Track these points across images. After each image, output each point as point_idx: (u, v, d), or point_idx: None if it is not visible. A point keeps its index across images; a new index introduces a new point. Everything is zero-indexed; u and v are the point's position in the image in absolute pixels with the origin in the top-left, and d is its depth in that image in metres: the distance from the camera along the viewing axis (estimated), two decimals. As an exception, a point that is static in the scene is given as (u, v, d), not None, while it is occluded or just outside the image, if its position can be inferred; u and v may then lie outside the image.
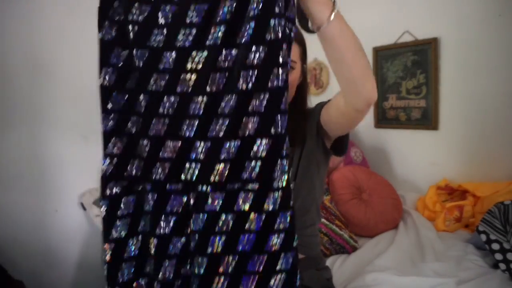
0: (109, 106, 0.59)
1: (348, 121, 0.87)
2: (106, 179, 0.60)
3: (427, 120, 2.00)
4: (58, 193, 1.81)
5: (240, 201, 0.57)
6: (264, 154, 0.56)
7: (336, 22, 0.60)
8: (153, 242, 0.59)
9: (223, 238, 0.57)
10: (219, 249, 0.57)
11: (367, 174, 1.88)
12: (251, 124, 0.56)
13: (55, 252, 1.81)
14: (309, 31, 0.65)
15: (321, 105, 0.96)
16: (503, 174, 1.73)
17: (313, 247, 1.09)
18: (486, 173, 1.79)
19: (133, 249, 0.61)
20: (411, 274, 1.29)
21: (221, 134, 0.56)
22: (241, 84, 0.55)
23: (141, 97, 0.58)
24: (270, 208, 0.56)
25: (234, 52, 0.55)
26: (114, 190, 0.60)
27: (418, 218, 1.76)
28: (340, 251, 1.54)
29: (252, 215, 0.56)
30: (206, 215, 0.57)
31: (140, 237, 0.62)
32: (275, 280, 0.56)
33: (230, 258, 0.57)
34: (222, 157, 0.57)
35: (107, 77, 0.59)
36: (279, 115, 0.55)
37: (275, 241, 0.56)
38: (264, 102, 0.55)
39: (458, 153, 1.92)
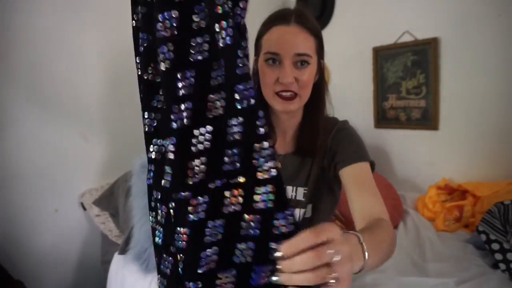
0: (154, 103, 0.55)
1: None
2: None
3: (427, 120, 2.00)
4: (58, 193, 1.81)
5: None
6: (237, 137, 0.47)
7: (368, 263, 0.54)
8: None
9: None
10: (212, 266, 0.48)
11: (367, 174, 1.88)
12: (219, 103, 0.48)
13: (55, 252, 1.81)
14: None
15: (346, 157, 0.82)
16: (503, 174, 1.73)
17: None
18: (486, 173, 1.79)
19: None
20: (411, 274, 1.29)
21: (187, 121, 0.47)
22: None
23: None
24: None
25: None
26: None
27: (418, 218, 1.76)
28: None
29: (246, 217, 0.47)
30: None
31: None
32: None
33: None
34: (194, 150, 0.47)
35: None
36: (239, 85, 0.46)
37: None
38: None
39: (458, 153, 1.92)
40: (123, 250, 1.50)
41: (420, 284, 1.22)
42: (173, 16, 0.46)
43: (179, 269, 0.51)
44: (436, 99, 1.95)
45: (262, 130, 0.46)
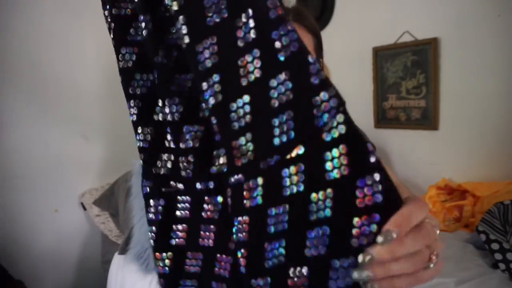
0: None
1: None
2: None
3: (427, 120, 2.00)
4: (58, 193, 1.81)
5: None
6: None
7: None
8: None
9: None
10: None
11: (367, 174, 1.88)
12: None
13: (55, 252, 1.81)
14: None
15: None
16: (503, 174, 1.73)
17: None
18: (486, 173, 1.79)
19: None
20: (411, 274, 1.29)
21: None
22: None
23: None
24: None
25: None
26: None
27: (418, 218, 1.76)
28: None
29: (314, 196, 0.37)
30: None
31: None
32: None
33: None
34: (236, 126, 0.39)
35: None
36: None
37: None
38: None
39: (458, 153, 1.92)
40: (123, 250, 1.50)
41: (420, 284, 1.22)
42: None
43: (241, 267, 0.42)
44: (436, 99, 1.95)
45: (317, 79, 0.36)
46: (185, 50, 0.40)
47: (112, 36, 0.51)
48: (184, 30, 0.39)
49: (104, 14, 0.49)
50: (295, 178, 0.37)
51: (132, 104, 0.49)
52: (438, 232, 0.34)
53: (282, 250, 0.38)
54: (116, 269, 1.58)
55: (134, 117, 0.50)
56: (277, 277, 0.38)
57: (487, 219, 1.38)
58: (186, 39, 0.39)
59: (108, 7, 0.48)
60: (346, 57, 2.36)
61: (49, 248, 1.79)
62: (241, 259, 0.41)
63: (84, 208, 1.82)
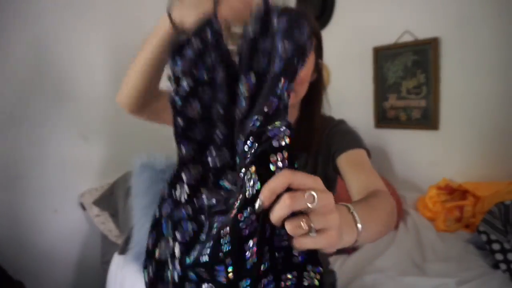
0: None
1: None
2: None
3: (427, 120, 1.99)
4: (58, 193, 1.81)
5: None
6: None
7: (363, 233, 0.49)
8: None
9: None
10: None
11: (367, 174, 1.88)
12: None
13: (55, 252, 1.81)
14: None
15: (342, 146, 0.85)
16: (503, 174, 1.73)
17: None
18: (486, 173, 1.79)
19: None
20: (412, 275, 1.29)
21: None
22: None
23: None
24: None
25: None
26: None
27: (418, 218, 1.76)
28: (340, 251, 1.54)
29: None
30: None
31: None
32: None
33: None
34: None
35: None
36: None
37: None
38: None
39: (458, 153, 1.92)
40: (123, 250, 1.50)
41: (420, 284, 1.22)
42: None
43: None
44: (436, 99, 1.94)
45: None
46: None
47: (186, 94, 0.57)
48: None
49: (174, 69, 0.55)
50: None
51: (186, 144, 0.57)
52: (315, 204, 0.38)
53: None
54: (116, 269, 1.58)
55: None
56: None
57: (488, 220, 1.38)
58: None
59: (184, 66, 0.55)
60: (346, 57, 2.36)
61: (49, 248, 1.79)
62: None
63: (84, 208, 1.82)
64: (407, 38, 2.03)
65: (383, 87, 2.19)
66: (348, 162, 0.83)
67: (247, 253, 0.41)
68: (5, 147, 1.66)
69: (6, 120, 1.66)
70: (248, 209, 0.40)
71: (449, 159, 1.95)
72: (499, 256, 1.27)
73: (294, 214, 0.38)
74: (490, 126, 1.78)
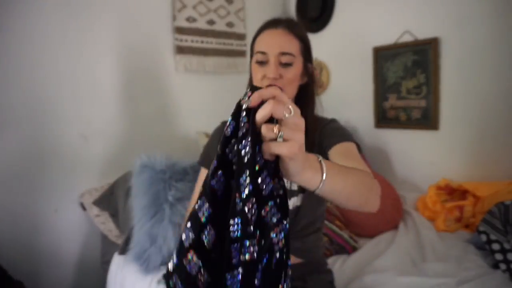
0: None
1: None
2: None
3: (427, 120, 2.00)
4: (58, 193, 1.81)
5: None
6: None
7: (328, 180, 0.55)
8: None
9: None
10: None
11: (367, 174, 1.88)
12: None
13: (55, 252, 1.80)
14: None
15: (332, 140, 0.89)
16: (503, 174, 1.73)
17: (316, 252, 1.10)
18: (486, 173, 1.79)
19: None
20: (411, 275, 1.29)
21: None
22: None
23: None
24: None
25: None
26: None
27: (418, 218, 1.76)
28: (340, 252, 1.54)
29: None
30: None
31: None
32: None
33: None
34: None
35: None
36: None
37: None
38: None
39: (458, 153, 1.92)
40: (123, 250, 1.50)
41: (420, 284, 1.22)
42: None
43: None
44: (436, 99, 1.95)
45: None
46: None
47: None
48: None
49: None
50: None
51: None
52: (290, 115, 0.47)
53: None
54: (116, 269, 1.58)
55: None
56: None
57: (487, 219, 1.38)
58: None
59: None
60: (346, 57, 2.36)
61: (49, 248, 1.79)
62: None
63: (84, 208, 1.82)
64: (407, 38, 2.03)
65: (383, 87, 2.19)
66: (338, 153, 0.87)
67: (242, 151, 0.48)
68: (5, 147, 1.66)
69: (6, 120, 1.66)
70: (244, 114, 0.49)
71: (449, 159, 1.95)
72: (499, 256, 1.27)
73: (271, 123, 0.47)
74: (490, 126, 1.78)
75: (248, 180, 0.47)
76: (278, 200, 0.50)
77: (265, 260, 0.48)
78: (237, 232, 0.47)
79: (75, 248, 1.86)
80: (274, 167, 0.49)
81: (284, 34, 0.91)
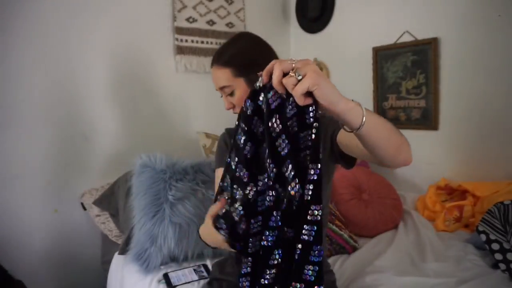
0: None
1: (370, 160, 0.83)
2: None
3: (427, 120, 2.00)
4: (58, 193, 1.81)
5: None
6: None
7: (368, 122, 0.61)
8: None
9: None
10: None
11: (367, 174, 1.88)
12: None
13: (55, 252, 1.81)
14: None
15: (336, 125, 0.89)
16: (502, 174, 1.73)
17: None
18: (485, 173, 1.79)
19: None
20: (411, 274, 1.29)
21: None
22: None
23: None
24: None
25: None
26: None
27: (418, 218, 1.76)
28: (340, 251, 1.54)
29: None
30: None
31: None
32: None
33: None
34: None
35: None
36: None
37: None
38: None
39: (458, 153, 1.92)
40: (123, 250, 1.50)
41: (420, 284, 1.22)
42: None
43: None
44: (436, 99, 1.95)
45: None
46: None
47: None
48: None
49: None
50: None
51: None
52: (293, 64, 0.56)
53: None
54: (116, 269, 1.58)
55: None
56: None
57: (487, 219, 1.38)
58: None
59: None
60: (346, 57, 2.36)
61: (49, 248, 1.79)
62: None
63: (84, 208, 1.82)
64: (406, 38, 2.03)
65: (382, 87, 2.19)
66: (346, 133, 0.88)
67: (274, 125, 0.62)
68: (5, 147, 1.66)
69: (6, 120, 1.66)
70: (265, 94, 0.62)
71: (448, 159, 1.95)
72: (498, 256, 1.27)
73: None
74: (490, 126, 1.79)
75: (286, 141, 0.62)
76: (308, 152, 0.61)
77: (284, 206, 0.63)
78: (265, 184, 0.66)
79: (75, 248, 1.86)
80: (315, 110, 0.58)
81: (216, 70, 1.01)
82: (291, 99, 0.59)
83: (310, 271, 0.59)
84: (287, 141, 0.61)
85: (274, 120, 0.61)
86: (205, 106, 2.23)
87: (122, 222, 1.66)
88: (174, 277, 1.32)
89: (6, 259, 1.61)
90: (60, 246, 1.82)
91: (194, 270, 1.36)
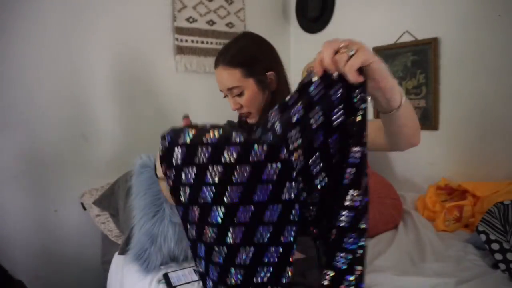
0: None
1: (380, 150, 0.86)
2: None
3: (427, 120, 2.00)
4: (58, 193, 1.81)
5: None
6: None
7: (405, 106, 0.64)
8: None
9: None
10: None
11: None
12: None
13: (55, 252, 1.81)
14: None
15: None
16: (503, 174, 1.73)
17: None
18: (485, 173, 1.79)
19: None
20: (411, 274, 1.29)
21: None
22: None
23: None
24: None
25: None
26: None
27: (418, 218, 1.76)
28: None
29: None
30: None
31: None
32: None
33: None
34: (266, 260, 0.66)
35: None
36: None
37: None
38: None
39: (457, 153, 1.92)
40: (123, 250, 1.50)
41: (419, 284, 1.22)
42: None
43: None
44: (436, 99, 1.95)
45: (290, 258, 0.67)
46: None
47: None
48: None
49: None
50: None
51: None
52: (342, 43, 0.59)
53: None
54: (116, 269, 1.58)
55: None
56: None
57: (487, 219, 1.38)
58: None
59: None
60: (346, 57, 2.36)
61: (49, 248, 1.79)
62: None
63: (84, 208, 1.82)
64: (406, 38, 2.03)
65: (382, 87, 2.19)
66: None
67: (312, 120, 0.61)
68: (5, 147, 1.66)
69: (6, 120, 1.66)
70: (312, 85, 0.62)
71: (448, 159, 1.95)
72: (498, 256, 1.27)
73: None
74: (490, 126, 1.79)
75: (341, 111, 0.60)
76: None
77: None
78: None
79: (75, 248, 1.86)
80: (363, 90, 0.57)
81: (223, 70, 0.99)
82: (335, 87, 0.58)
83: (343, 259, 0.58)
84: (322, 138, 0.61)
85: (315, 111, 0.60)
86: (205, 106, 2.23)
87: (122, 222, 1.66)
88: (174, 277, 1.32)
89: (6, 259, 1.61)
90: (60, 246, 1.82)
91: (194, 270, 1.36)
